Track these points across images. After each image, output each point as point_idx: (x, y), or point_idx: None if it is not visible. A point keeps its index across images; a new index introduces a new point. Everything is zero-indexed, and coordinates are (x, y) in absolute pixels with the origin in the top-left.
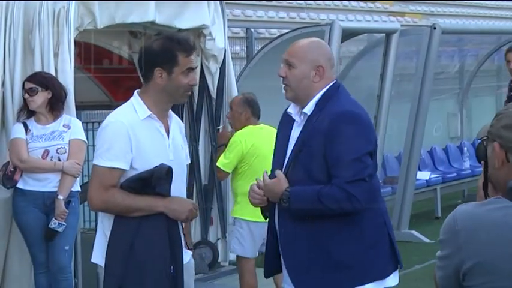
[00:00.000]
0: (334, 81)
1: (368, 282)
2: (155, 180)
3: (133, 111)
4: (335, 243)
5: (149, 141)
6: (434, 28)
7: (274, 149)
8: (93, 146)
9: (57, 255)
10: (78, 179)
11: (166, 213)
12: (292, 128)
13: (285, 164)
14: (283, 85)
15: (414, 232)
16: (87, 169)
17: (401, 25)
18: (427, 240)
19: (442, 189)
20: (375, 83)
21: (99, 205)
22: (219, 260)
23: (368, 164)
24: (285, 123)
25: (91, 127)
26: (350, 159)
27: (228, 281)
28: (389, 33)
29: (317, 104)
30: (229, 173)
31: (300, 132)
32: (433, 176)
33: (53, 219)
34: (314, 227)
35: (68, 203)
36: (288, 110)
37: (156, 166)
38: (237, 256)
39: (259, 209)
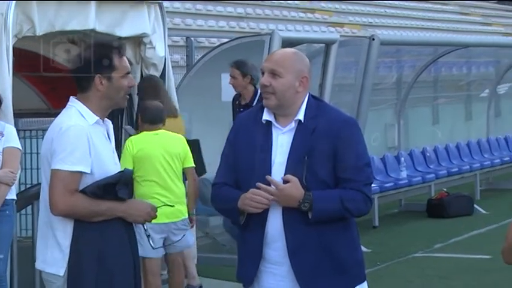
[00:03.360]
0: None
1: (364, 280)
2: (119, 186)
3: (81, 117)
4: (340, 246)
5: (101, 146)
6: (373, 39)
7: (244, 156)
8: (31, 153)
9: None
10: (14, 187)
11: (125, 218)
12: (271, 135)
13: (284, 170)
14: (265, 93)
15: None
16: (24, 177)
17: (341, 36)
18: (365, 249)
19: (379, 199)
20: (314, 92)
21: (65, 210)
22: None
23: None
24: (254, 130)
25: (29, 134)
26: (363, 164)
27: None
28: (328, 44)
29: (306, 111)
30: None
31: (295, 138)
32: None
33: None
34: (322, 232)
35: None
36: (264, 117)
37: (121, 171)
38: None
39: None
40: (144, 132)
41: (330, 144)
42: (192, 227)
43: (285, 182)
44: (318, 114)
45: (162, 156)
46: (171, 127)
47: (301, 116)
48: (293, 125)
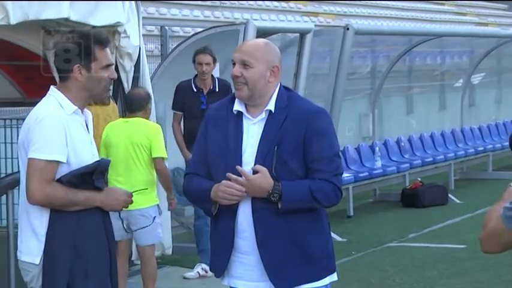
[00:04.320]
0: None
1: (334, 272)
2: (96, 175)
3: (59, 106)
4: (310, 237)
5: (78, 137)
6: (348, 29)
7: (215, 146)
8: (5, 143)
9: None
10: None
11: (102, 207)
12: (242, 125)
13: (254, 160)
14: (236, 84)
15: None
16: None
17: (315, 25)
18: (340, 239)
19: (354, 189)
20: (289, 82)
21: (42, 198)
22: (132, 258)
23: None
24: (225, 121)
25: (3, 124)
26: (332, 154)
27: (141, 278)
28: (303, 33)
29: (277, 102)
30: None
31: (265, 128)
32: (345, 175)
33: None
34: (292, 222)
35: None
36: (235, 108)
37: (98, 161)
38: None
39: None
40: (119, 119)
41: (300, 135)
42: (171, 208)
43: (255, 172)
44: (288, 104)
45: (123, 144)
46: (100, 114)
47: (271, 106)
48: (264, 115)
